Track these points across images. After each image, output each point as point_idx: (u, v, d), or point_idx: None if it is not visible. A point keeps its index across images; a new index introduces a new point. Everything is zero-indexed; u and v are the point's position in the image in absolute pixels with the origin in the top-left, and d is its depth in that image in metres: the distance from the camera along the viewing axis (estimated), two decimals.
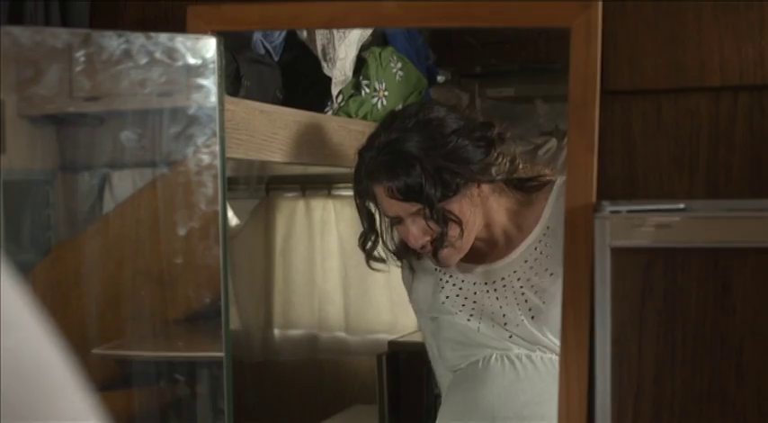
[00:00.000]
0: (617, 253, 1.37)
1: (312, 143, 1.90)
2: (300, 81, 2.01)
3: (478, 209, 1.75)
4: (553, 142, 2.26)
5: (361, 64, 2.10)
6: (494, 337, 1.76)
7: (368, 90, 2.10)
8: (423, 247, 1.76)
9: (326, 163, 2.06)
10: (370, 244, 1.82)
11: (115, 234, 1.59)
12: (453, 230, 1.73)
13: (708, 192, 1.41)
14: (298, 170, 2.58)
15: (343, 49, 2.01)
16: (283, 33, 1.98)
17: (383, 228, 1.82)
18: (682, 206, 1.36)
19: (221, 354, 1.46)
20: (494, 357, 1.76)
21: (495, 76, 2.47)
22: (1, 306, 0.47)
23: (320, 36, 1.98)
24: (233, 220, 2.59)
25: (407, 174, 1.69)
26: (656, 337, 1.38)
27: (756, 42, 1.39)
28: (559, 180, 1.78)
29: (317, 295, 2.66)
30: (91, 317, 1.52)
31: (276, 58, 1.98)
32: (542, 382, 1.72)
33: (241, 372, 2.48)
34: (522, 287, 1.76)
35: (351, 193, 1.86)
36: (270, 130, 1.74)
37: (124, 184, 1.56)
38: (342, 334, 2.66)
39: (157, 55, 1.41)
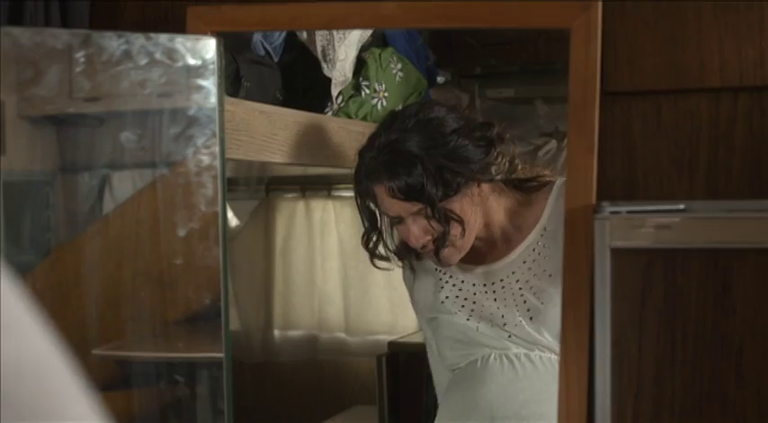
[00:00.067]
0: (617, 254, 1.37)
1: (312, 144, 1.91)
2: (300, 82, 2.01)
3: (478, 208, 1.75)
4: (553, 143, 2.26)
5: (360, 65, 2.11)
6: (493, 336, 1.76)
7: (368, 91, 2.10)
8: (423, 246, 1.76)
9: (326, 164, 2.06)
10: (373, 242, 1.82)
11: (115, 235, 1.59)
12: (455, 230, 1.73)
13: (708, 192, 1.41)
14: (297, 171, 2.59)
15: (342, 50, 2.01)
16: (283, 34, 1.98)
17: (384, 227, 1.82)
18: (681, 207, 1.36)
19: (221, 355, 1.46)
20: (492, 356, 1.76)
21: (495, 77, 2.48)
22: (1, 308, 0.47)
23: (320, 37, 1.98)
24: (233, 220, 2.59)
25: (409, 173, 1.69)
26: (655, 337, 1.38)
27: (756, 43, 1.39)
28: (559, 181, 1.79)
29: (317, 296, 2.66)
30: (91, 318, 1.52)
31: (276, 59, 1.98)
32: (541, 381, 1.72)
33: (241, 373, 2.48)
34: (520, 288, 1.76)
35: (351, 194, 1.86)
36: (270, 131, 1.74)
37: (124, 185, 1.56)
38: (342, 335, 2.66)
39: (157, 56, 1.41)
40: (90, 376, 0.53)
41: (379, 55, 2.13)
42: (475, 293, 1.79)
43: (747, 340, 1.35)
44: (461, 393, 1.80)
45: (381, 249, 1.84)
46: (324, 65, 2.00)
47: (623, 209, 1.37)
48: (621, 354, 1.38)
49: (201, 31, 1.51)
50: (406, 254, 1.85)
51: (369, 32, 2.09)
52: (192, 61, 1.43)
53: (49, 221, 1.54)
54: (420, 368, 2.19)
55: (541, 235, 1.77)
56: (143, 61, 1.41)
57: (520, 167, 1.80)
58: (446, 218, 1.71)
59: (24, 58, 1.36)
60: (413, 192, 1.70)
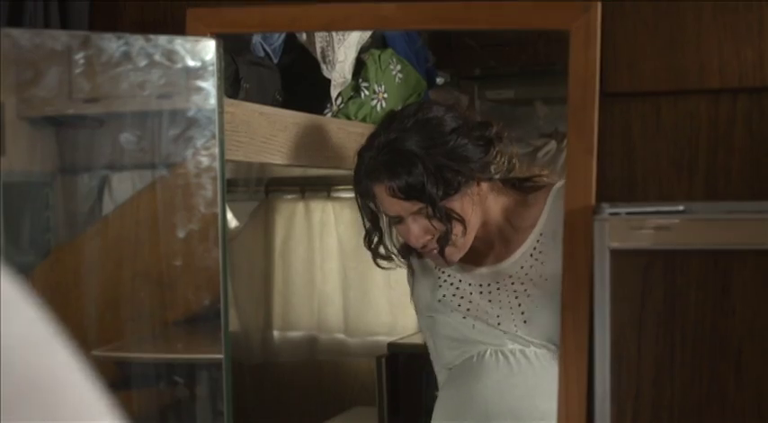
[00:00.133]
0: (616, 255, 1.37)
1: (311, 145, 1.91)
2: (300, 83, 2.01)
3: (478, 207, 1.76)
4: (552, 144, 2.26)
5: (360, 66, 2.11)
6: (488, 333, 1.77)
7: (367, 92, 2.10)
8: (423, 246, 1.76)
9: (326, 165, 2.06)
10: (375, 242, 1.82)
11: (114, 236, 1.59)
12: (456, 228, 1.73)
13: (707, 194, 1.41)
14: (297, 172, 2.58)
15: (342, 51, 2.02)
16: (283, 36, 1.98)
17: (385, 227, 1.82)
18: (681, 208, 1.36)
19: (221, 356, 1.46)
20: (488, 352, 1.76)
21: (494, 79, 2.48)
22: (1, 309, 0.47)
23: (319, 38, 1.98)
24: (232, 221, 2.59)
25: (409, 172, 1.69)
26: (655, 338, 1.38)
27: (755, 44, 1.39)
28: (558, 184, 1.79)
29: (317, 297, 2.66)
30: (90, 319, 1.52)
31: (276, 61, 1.98)
32: (536, 377, 1.73)
33: (240, 374, 2.48)
34: (515, 291, 1.76)
35: (350, 195, 1.86)
36: (269, 133, 1.74)
37: (123, 187, 1.56)
38: (341, 336, 2.66)
39: (157, 57, 1.41)
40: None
41: (379, 56, 2.13)
42: (471, 293, 1.79)
43: (747, 341, 1.35)
44: (457, 389, 1.80)
45: (383, 249, 1.84)
46: (323, 66, 2.00)
47: (623, 210, 1.37)
48: (621, 355, 1.38)
49: (201, 32, 1.51)
50: (407, 253, 1.85)
51: (368, 34, 2.09)
52: (191, 63, 1.43)
53: (48, 222, 1.54)
54: (420, 369, 2.19)
55: (538, 241, 1.77)
56: (142, 63, 1.41)
57: (518, 167, 1.80)
58: (447, 217, 1.71)
59: (24, 60, 1.36)
60: (413, 191, 1.70)
